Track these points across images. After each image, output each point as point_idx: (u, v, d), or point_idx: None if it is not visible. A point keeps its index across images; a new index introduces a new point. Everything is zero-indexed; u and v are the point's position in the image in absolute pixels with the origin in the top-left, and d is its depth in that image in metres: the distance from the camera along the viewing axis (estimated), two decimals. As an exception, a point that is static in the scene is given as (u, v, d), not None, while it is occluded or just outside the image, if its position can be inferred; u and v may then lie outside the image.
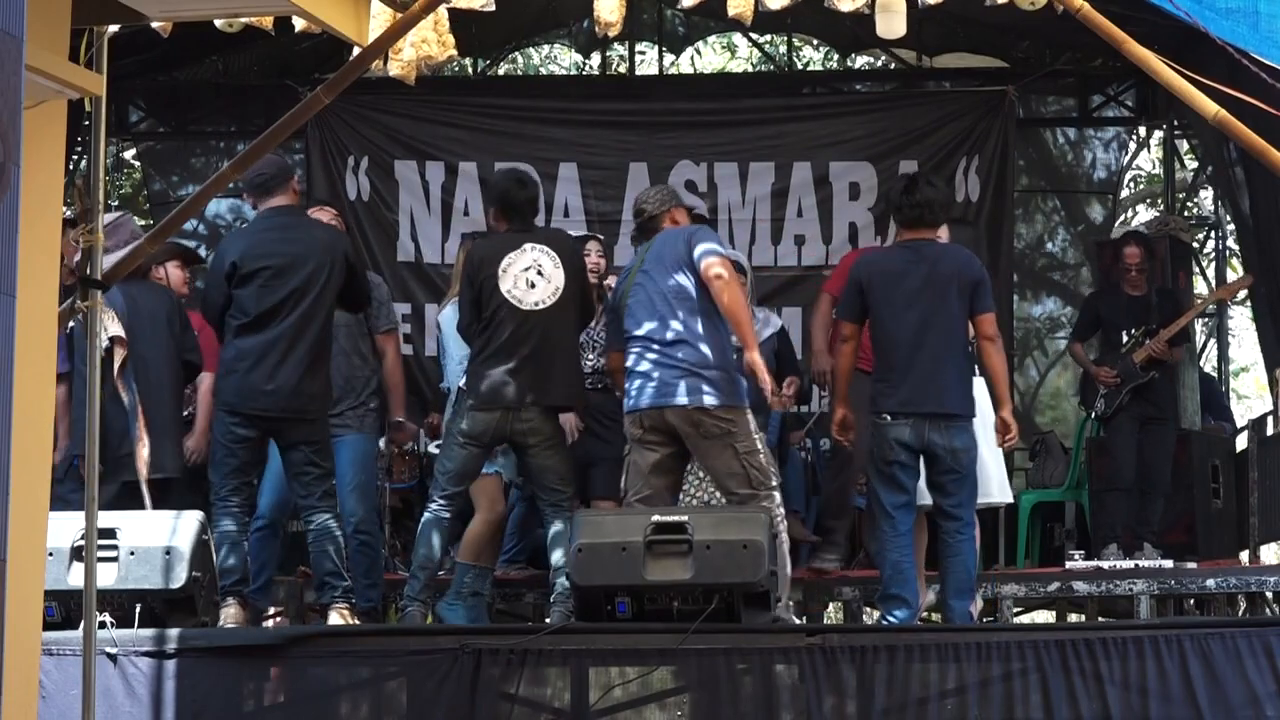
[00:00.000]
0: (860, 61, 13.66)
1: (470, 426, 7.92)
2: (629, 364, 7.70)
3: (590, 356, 8.70)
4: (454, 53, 8.22)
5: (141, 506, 7.65)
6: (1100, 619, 10.29)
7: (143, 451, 7.74)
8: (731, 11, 8.19)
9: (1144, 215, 15.44)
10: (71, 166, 8.90)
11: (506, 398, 7.84)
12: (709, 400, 7.52)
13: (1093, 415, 10.03)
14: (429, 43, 7.99)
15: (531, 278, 7.93)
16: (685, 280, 7.61)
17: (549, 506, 7.98)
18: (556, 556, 7.84)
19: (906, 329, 7.67)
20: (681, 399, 7.53)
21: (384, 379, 8.62)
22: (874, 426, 7.69)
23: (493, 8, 8.16)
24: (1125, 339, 9.88)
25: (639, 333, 7.66)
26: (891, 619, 7.57)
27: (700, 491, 8.22)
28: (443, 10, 7.83)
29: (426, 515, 8.00)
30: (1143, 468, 9.73)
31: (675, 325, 7.58)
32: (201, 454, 8.51)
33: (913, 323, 7.66)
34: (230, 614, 7.76)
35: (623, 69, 14.00)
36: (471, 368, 8.03)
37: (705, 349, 7.55)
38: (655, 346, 7.59)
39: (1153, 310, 9.88)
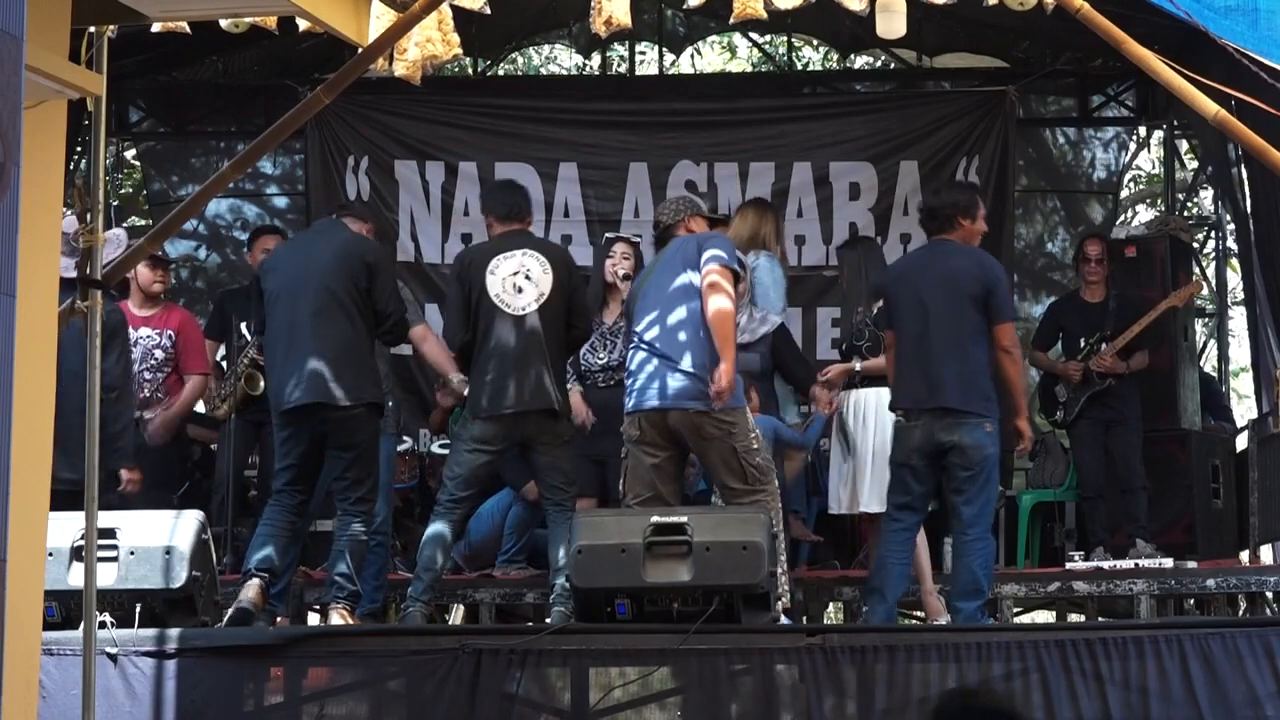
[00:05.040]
0: (860, 61, 13.65)
1: (480, 432, 7.93)
2: (631, 365, 7.73)
3: (602, 354, 8.70)
4: (459, 51, 8.21)
5: None
6: (1100, 619, 10.28)
7: None
8: (735, 18, 8.17)
9: (1144, 215, 15.43)
10: (71, 166, 8.90)
11: (504, 405, 7.85)
12: (711, 404, 7.53)
13: (1053, 424, 10.10)
14: (434, 42, 7.97)
15: (519, 282, 7.95)
16: (692, 280, 7.64)
17: (552, 506, 7.98)
18: (557, 556, 7.83)
19: (911, 326, 7.80)
20: (685, 402, 7.54)
21: (429, 361, 8.96)
22: (894, 426, 7.86)
23: (488, 11, 8.15)
24: (1081, 345, 9.90)
25: (643, 334, 7.69)
26: (865, 609, 7.71)
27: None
28: (446, 8, 7.82)
29: (433, 518, 7.99)
30: (1116, 469, 9.75)
31: (679, 329, 7.60)
32: (155, 437, 8.96)
33: (917, 320, 7.78)
34: (251, 593, 7.72)
35: (623, 69, 14.00)
36: (471, 375, 8.06)
37: (708, 353, 7.56)
38: (659, 348, 7.62)
39: (1109, 316, 9.88)
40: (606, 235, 9.65)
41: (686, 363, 7.56)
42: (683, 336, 7.60)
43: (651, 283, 7.79)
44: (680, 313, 7.62)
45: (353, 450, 7.92)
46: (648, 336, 7.66)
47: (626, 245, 9.07)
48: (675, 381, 7.56)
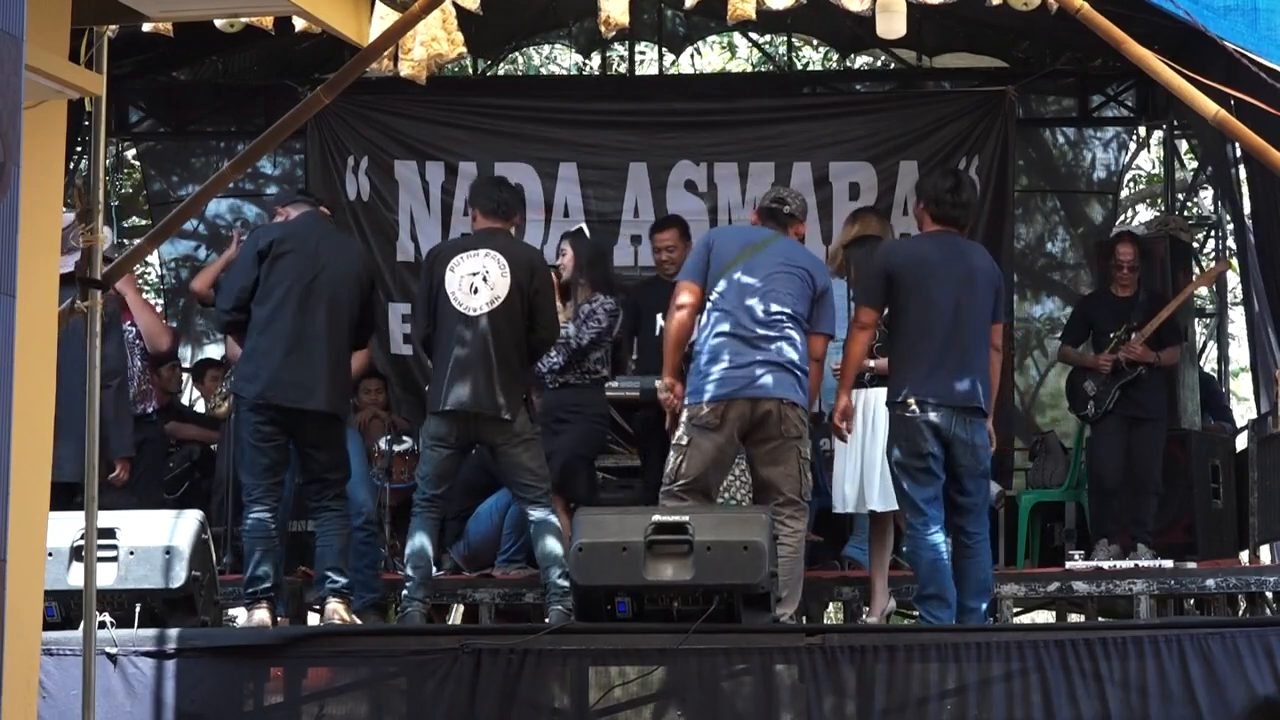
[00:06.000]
0: (860, 61, 13.65)
1: (435, 429, 7.96)
2: (712, 345, 7.66)
3: (552, 355, 8.67)
4: (463, 49, 8.22)
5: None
6: (1100, 619, 10.28)
7: None
8: (730, 18, 8.16)
9: (1144, 215, 15.44)
10: (71, 166, 8.90)
11: (447, 403, 7.86)
12: (800, 398, 7.61)
13: (1084, 419, 10.06)
14: (439, 40, 7.97)
15: (476, 283, 7.94)
16: (799, 306, 7.69)
17: (525, 503, 7.96)
18: (548, 546, 7.82)
19: (942, 318, 7.63)
20: (779, 391, 7.57)
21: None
22: (899, 419, 7.65)
23: (481, 12, 8.15)
24: (1110, 338, 9.87)
25: (736, 320, 7.64)
26: (934, 619, 7.53)
27: (738, 490, 8.24)
28: (449, 6, 7.82)
29: (413, 519, 8.00)
30: (1132, 467, 9.70)
31: (776, 325, 7.63)
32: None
33: (948, 312, 7.62)
34: (260, 619, 7.76)
35: (623, 69, 13.99)
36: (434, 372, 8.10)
37: (799, 352, 7.65)
38: (750, 339, 7.61)
39: (1137, 310, 9.85)
40: None
41: (783, 356, 7.60)
42: (780, 335, 7.62)
43: (758, 272, 7.71)
44: (780, 317, 7.64)
45: (332, 449, 8.03)
46: (742, 324, 7.63)
47: (564, 243, 9.14)
48: (772, 372, 7.57)
